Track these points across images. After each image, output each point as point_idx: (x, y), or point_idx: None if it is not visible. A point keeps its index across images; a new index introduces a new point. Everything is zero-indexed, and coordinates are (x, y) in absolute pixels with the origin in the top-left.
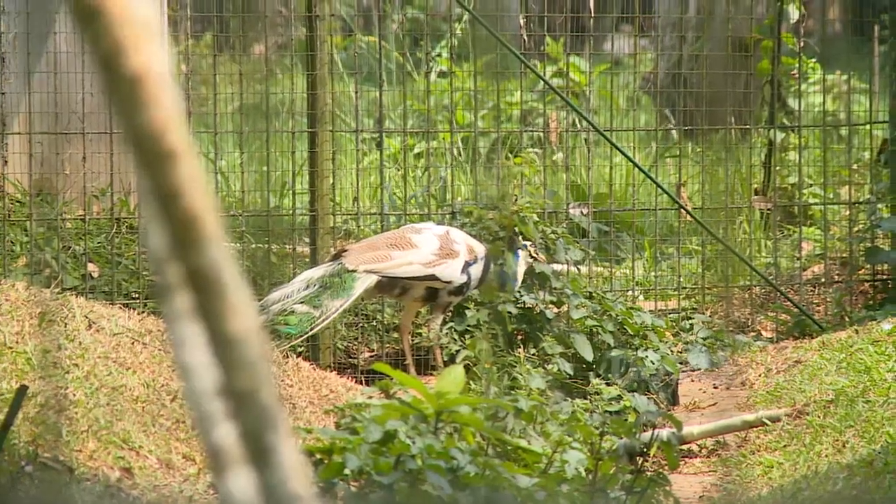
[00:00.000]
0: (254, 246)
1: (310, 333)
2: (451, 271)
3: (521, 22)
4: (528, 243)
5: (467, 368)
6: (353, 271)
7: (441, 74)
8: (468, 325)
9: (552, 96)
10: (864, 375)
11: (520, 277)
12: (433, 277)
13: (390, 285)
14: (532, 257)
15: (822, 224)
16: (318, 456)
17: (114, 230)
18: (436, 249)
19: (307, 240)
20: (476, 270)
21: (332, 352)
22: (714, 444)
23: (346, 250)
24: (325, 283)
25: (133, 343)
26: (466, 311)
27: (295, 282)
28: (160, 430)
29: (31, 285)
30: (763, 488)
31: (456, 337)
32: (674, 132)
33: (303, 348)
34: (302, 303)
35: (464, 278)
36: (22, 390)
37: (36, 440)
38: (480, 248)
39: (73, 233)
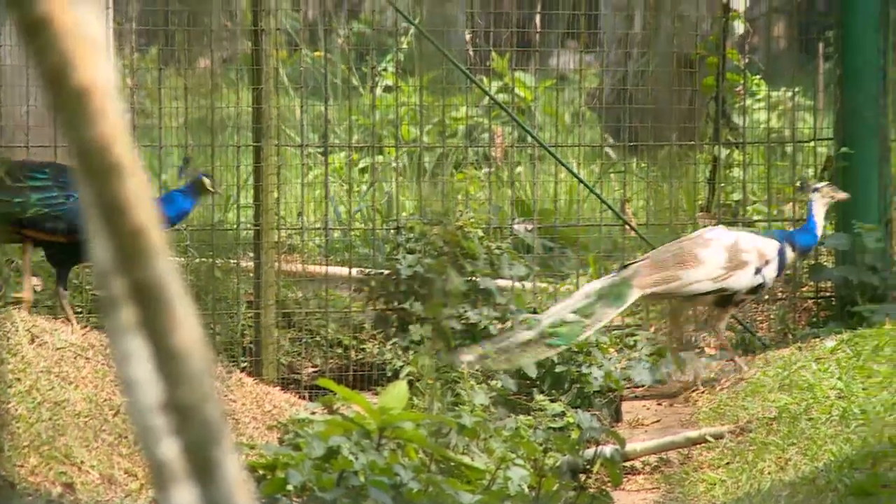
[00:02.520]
0: (198, 260)
1: (579, 340)
2: (742, 282)
3: (467, 37)
4: (820, 184)
5: (411, 384)
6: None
7: (387, 89)
8: (412, 341)
9: (497, 112)
10: (807, 393)
11: (821, 222)
12: (723, 290)
13: (677, 295)
14: (831, 196)
15: None
16: (261, 471)
17: None
18: (724, 263)
19: (251, 254)
20: (770, 271)
21: (275, 367)
22: (657, 460)
23: (630, 263)
24: (602, 294)
25: (76, 357)
26: (410, 327)
27: (577, 294)
28: (102, 445)
29: None
30: None
31: (400, 353)
32: (611, 150)
33: (246, 363)
34: (574, 312)
35: (758, 280)
36: None
37: None
38: (772, 248)
39: (16, 247)
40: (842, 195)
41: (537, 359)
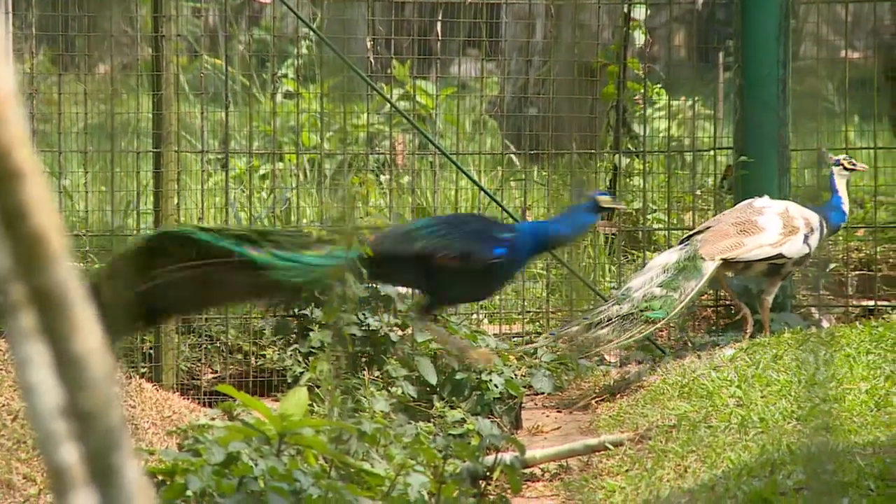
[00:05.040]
0: (97, 265)
1: (673, 315)
2: (796, 247)
3: (368, 44)
4: (840, 157)
5: (311, 390)
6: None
7: (287, 96)
8: (312, 347)
9: (398, 119)
10: (706, 401)
11: (845, 196)
12: (780, 255)
13: (736, 264)
14: (848, 169)
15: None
16: (161, 477)
17: None
18: (780, 229)
19: None
20: (814, 240)
21: (175, 373)
22: (557, 468)
23: (694, 235)
24: (680, 267)
25: None
26: (310, 333)
27: (653, 267)
28: (1, 450)
29: None
30: None
31: (300, 359)
32: (514, 158)
33: (146, 369)
34: (661, 286)
35: (805, 249)
36: None
37: None
38: (815, 218)
39: None
40: (861, 166)
41: (641, 336)
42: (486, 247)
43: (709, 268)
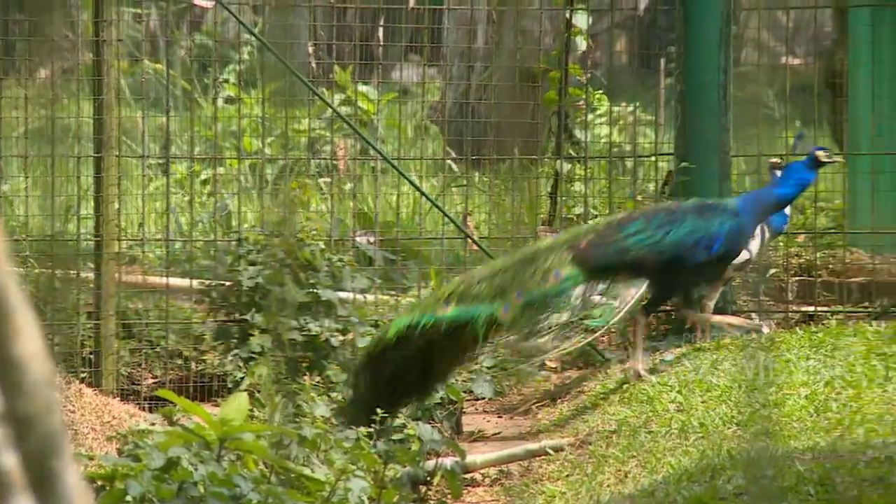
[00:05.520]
0: (37, 271)
1: (613, 322)
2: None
3: (310, 50)
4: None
5: (251, 395)
6: None
7: (229, 101)
8: (252, 352)
9: (340, 124)
10: (647, 406)
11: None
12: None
13: None
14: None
15: None
16: (101, 482)
17: None
18: None
19: (91, 265)
20: (755, 245)
21: (115, 378)
22: (497, 473)
23: None
24: None
25: None
26: (251, 338)
27: None
28: None
29: None
30: None
31: (241, 364)
32: (453, 165)
33: (86, 374)
34: (601, 294)
35: (746, 255)
36: None
37: None
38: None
39: None
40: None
41: (581, 344)
42: (700, 250)
43: None
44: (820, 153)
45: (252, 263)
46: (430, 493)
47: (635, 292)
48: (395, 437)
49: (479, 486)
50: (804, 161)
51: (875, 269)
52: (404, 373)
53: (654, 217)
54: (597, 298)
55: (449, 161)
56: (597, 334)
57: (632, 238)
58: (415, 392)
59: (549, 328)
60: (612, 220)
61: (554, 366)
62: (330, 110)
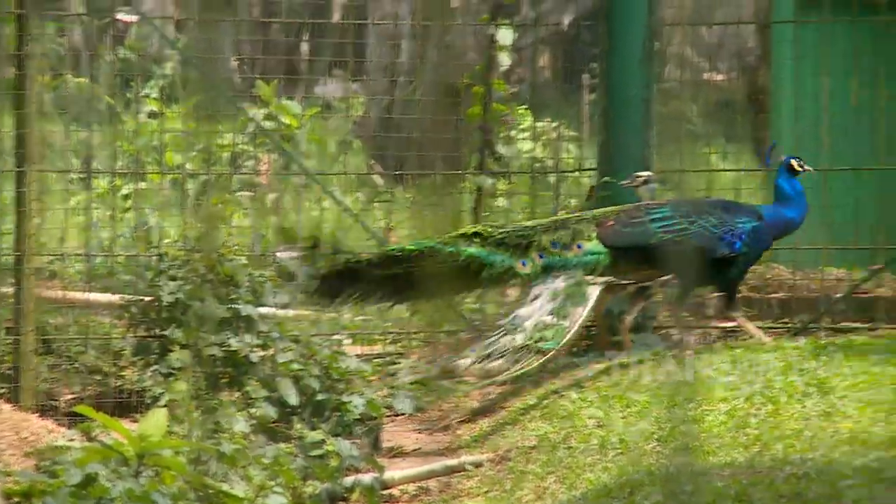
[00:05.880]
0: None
1: (564, 343)
2: None
3: (234, 64)
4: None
5: (170, 411)
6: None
7: (151, 115)
8: (172, 368)
9: (263, 139)
10: (567, 422)
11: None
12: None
13: (616, 287)
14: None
15: None
16: (17, 499)
17: None
18: None
19: (11, 280)
20: None
21: (33, 394)
22: (416, 489)
23: None
24: (567, 293)
25: None
26: (170, 353)
27: (540, 294)
28: None
29: None
30: None
31: (160, 379)
32: (377, 179)
33: (4, 390)
34: (551, 314)
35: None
36: None
37: None
38: None
39: None
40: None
41: (534, 366)
42: (723, 244)
43: (595, 292)
44: (793, 162)
45: (173, 279)
46: None
47: (583, 310)
48: (314, 453)
49: (397, 502)
50: (784, 176)
51: (795, 284)
52: (396, 282)
53: (680, 206)
54: (548, 319)
55: (372, 176)
56: (548, 356)
57: (658, 223)
58: (396, 296)
59: (502, 351)
60: (640, 204)
61: (474, 381)
62: (253, 125)
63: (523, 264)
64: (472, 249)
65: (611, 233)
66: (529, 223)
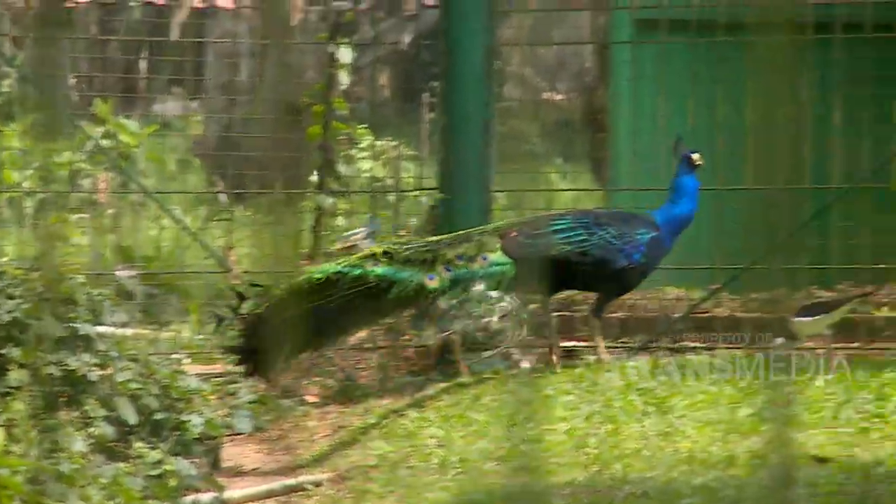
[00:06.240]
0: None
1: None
2: None
3: (72, 82)
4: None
5: (7, 430)
6: None
7: None
8: (9, 387)
9: (101, 157)
10: (407, 441)
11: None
12: None
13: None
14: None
15: None
16: None
17: None
18: None
19: None
20: None
21: None
22: None
23: None
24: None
25: None
26: (8, 372)
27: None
28: None
29: None
30: None
31: None
32: (218, 197)
33: None
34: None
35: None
36: None
37: None
38: None
39: None
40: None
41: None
42: (623, 255)
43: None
44: (694, 156)
45: (10, 297)
46: None
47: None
48: (153, 472)
49: None
50: (683, 169)
51: (634, 304)
52: (315, 320)
53: (581, 217)
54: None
55: (212, 194)
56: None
57: (560, 234)
58: (315, 341)
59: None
60: (541, 215)
61: (314, 400)
62: (91, 143)
63: (430, 278)
64: (380, 269)
65: (514, 244)
66: (433, 238)
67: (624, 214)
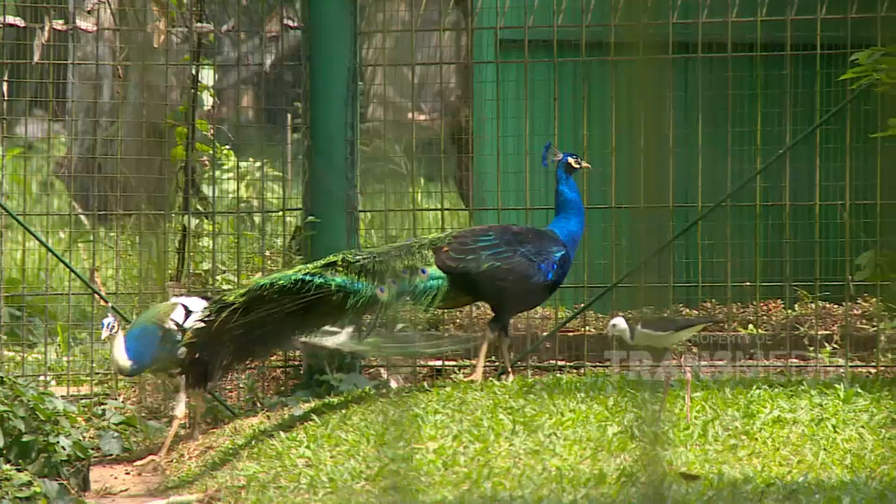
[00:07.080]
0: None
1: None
2: None
3: None
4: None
5: None
6: None
7: None
8: None
9: None
10: (276, 461)
11: None
12: None
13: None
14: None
15: None
16: None
17: None
18: None
19: None
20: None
21: None
22: None
23: None
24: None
25: None
26: None
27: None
28: None
29: None
30: None
31: None
32: (82, 218)
33: None
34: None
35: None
36: None
37: None
38: None
39: None
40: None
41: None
42: (541, 272)
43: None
44: (571, 160)
45: None
46: None
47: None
48: (21, 494)
49: None
50: (562, 175)
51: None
52: (266, 327)
53: (502, 233)
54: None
55: (76, 216)
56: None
57: (485, 251)
58: (263, 348)
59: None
60: (467, 230)
61: (182, 422)
62: None
63: (381, 291)
64: (339, 279)
65: (446, 259)
66: (383, 248)
67: (536, 231)
